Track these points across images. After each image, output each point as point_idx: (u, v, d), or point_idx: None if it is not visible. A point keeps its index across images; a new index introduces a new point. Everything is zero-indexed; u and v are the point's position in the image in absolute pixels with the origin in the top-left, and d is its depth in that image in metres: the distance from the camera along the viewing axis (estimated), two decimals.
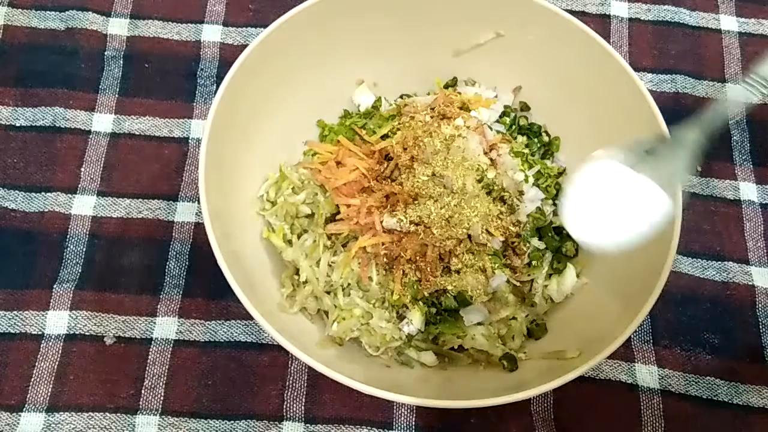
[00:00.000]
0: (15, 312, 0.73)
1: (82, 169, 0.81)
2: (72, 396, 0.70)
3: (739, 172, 0.85)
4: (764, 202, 0.84)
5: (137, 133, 0.83)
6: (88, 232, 0.78)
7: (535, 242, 0.72)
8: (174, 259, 0.77)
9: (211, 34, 0.89)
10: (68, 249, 0.77)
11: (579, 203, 0.59)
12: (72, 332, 0.73)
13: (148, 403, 0.70)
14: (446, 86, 0.82)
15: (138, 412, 0.70)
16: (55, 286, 0.75)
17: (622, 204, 0.57)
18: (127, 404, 0.70)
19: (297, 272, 0.71)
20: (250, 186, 0.75)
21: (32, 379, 0.71)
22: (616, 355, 0.73)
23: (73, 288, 0.74)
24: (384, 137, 0.74)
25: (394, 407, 0.71)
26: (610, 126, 0.73)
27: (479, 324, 0.69)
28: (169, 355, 0.73)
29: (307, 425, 0.70)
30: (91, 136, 0.82)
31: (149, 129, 0.84)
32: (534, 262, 0.72)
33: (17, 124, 0.82)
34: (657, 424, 0.72)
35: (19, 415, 0.69)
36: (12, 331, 0.73)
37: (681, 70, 0.91)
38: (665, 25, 0.94)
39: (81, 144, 0.82)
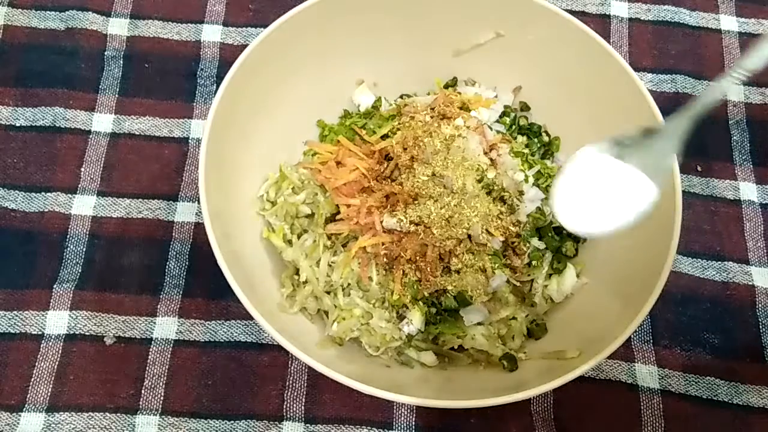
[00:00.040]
0: (15, 312, 0.73)
1: (82, 169, 0.81)
2: (72, 396, 0.70)
3: (739, 172, 0.86)
4: (764, 202, 0.84)
5: (137, 133, 0.83)
6: (88, 232, 0.78)
7: (535, 242, 0.72)
8: (174, 259, 0.77)
9: (211, 34, 0.89)
10: (68, 249, 0.77)
11: (567, 191, 0.61)
12: (72, 332, 0.73)
13: (148, 403, 0.70)
14: (446, 86, 0.82)
15: (138, 412, 0.70)
16: (55, 286, 0.75)
17: (609, 191, 0.59)
18: (127, 404, 0.70)
19: (297, 272, 0.71)
20: (250, 186, 0.75)
21: (32, 379, 0.71)
22: (616, 355, 0.73)
23: (73, 288, 0.74)
24: (384, 137, 0.74)
25: (394, 407, 0.71)
26: (610, 126, 0.72)
27: (479, 324, 0.69)
28: (169, 355, 0.73)
29: (307, 425, 0.70)
30: (91, 136, 0.83)
31: (149, 129, 0.84)
32: (534, 262, 0.72)
33: (17, 124, 0.82)
34: (657, 424, 0.72)
35: (19, 415, 0.69)
36: (12, 331, 0.73)
37: (681, 70, 0.91)
38: (665, 25, 0.94)
39: (81, 144, 0.82)
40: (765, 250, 0.81)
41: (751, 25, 0.94)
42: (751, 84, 0.91)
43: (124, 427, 0.69)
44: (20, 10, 0.88)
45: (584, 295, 0.72)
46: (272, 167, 0.76)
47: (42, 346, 0.72)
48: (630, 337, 0.62)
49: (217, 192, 0.66)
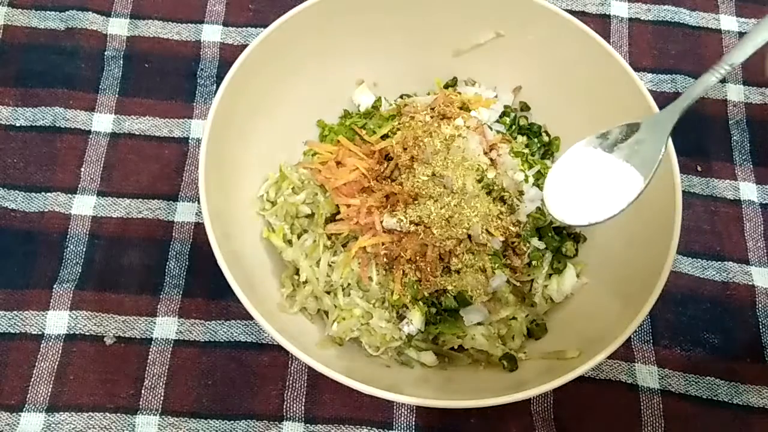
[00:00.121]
0: (15, 312, 0.73)
1: (82, 169, 0.81)
2: (72, 396, 0.70)
3: (739, 172, 0.86)
4: (764, 202, 0.84)
5: (137, 133, 0.83)
6: (88, 232, 0.78)
7: (535, 242, 0.72)
8: (174, 259, 0.77)
9: (211, 34, 0.89)
10: (68, 249, 0.77)
11: (557, 184, 0.64)
12: (72, 332, 0.73)
13: (148, 403, 0.70)
14: (446, 86, 0.82)
15: (138, 412, 0.70)
16: (55, 286, 0.75)
17: (597, 183, 0.62)
18: (127, 404, 0.70)
19: (297, 272, 0.71)
20: (250, 186, 0.75)
21: (32, 379, 0.71)
22: (616, 355, 0.73)
23: (73, 288, 0.74)
24: (384, 137, 0.74)
25: (394, 407, 0.71)
26: (610, 126, 0.73)
27: (479, 324, 0.69)
28: (169, 355, 0.73)
29: (307, 425, 0.70)
30: (91, 136, 0.83)
31: (149, 129, 0.84)
32: (534, 262, 0.72)
33: (17, 124, 0.82)
34: (657, 424, 0.72)
35: (19, 415, 0.69)
36: (12, 331, 0.73)
37: (681, 70, 0.91)
38: (665, 25, 0.94)
39: (81, 144, 0.82)
40: (765, 250, 0.81)
41: (751, 25, 0.94)
42: (751, 84, 0.91)
43: (124, 427, 0.69)
44: (20, 10, 0.88)
45: (584, 295, 0.72)
46: (272, 167, 0.76)
47: (42, 346, 0.72)
48: (630, 337, 0.62)
49: (217, 192, 0.66)
